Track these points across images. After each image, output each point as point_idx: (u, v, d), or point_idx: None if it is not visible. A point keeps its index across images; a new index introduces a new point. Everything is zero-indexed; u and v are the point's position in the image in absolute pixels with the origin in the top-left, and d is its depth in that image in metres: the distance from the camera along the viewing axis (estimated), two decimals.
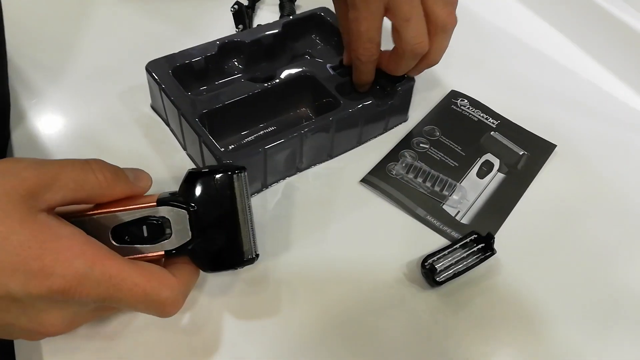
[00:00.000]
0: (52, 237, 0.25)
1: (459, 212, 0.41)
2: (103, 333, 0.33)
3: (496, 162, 0.44)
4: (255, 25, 0.55)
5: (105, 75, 0.50)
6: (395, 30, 0.39)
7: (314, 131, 0.40)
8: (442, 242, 0.39)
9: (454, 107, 0.48)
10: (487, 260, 0.38)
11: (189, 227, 0.29)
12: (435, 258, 0.37)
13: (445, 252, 0.37)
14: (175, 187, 0.31)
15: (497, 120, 0.48)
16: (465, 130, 0.47)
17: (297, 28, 0.49)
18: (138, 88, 0.47)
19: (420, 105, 0.49)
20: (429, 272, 0.36)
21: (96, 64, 0.51)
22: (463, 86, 0.51)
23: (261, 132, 0.44)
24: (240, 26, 0.54)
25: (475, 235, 0.38)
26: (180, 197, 0.29)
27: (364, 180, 0.42)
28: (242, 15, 0.54)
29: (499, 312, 0.36)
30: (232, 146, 0.42)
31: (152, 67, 0.43)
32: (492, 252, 0.38)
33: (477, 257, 0.37)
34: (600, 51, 0.56)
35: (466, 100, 0.49)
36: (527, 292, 0.37)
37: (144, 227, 0.29)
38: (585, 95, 0.53)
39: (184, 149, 0.44)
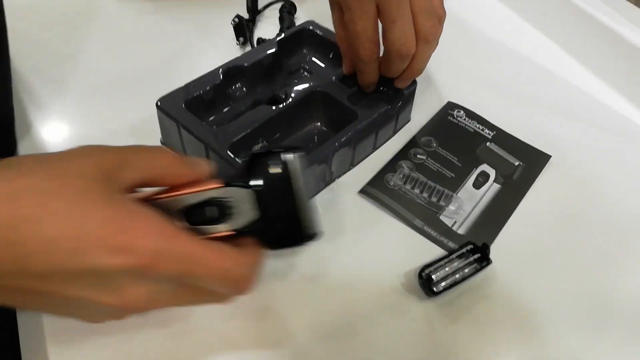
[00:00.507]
0: (131, 215, 0.26)
1: (455, 222, 0.42)
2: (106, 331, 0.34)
3: (492, 173, 0.45)
4: (255, 38, 0.56)
5: (109, 101, 0.50)
6: (382, 31, 0.40)
7: (342, 145, 0.42)
8: (439, 252, 0.40)
9: (451, 118, 0.49)
10: (483, 270, 0.38)
11: (255, 206, 0.30)
12: (432, 268, 0.38)
13: (442, 262, 0.38)
14: None
15: (492, 131, 0.49)
16: (461, 141, 0.47)
17: (289, 44, 0.50)
18: (147, 122, 0.46)
19: (418, 116, 0.50)
20: (426, 282, 0.37)
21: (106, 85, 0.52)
22: (459, 97, 0.52)
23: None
24: (241, 39, 0.55)
25: (472, 246, 0.39)
26: (245, 178, 0.30)
27: (363, 191, 0.43)
28: (243, 29, 0.55)
29: (495, 320, 0.37)
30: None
31: (164, 104, 0.43)
32: (488, 262, 0.38)
33: (473, 267, 0.38)
34: (593, 61, 0.57)
35: (462, 112, 0.50)
36: (523, 300, 0.38)
37: (213, 208, 0.29)
38: (579, 105, 0.54)
39: None
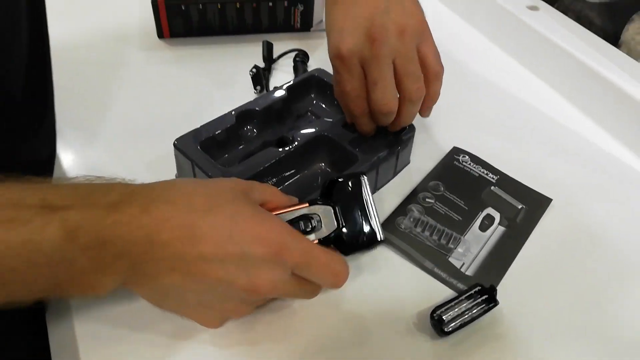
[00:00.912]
0: (266, 216, 0.35)
1: (463, 264, 0.44)
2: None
3: (497, 216, 0.48)
4: (271, 86, 0.59)
5: (134, 141, 0.53)
6: (367, 90, 0.45)
7: None
8: (448, 292, 0.43)
9: (456, 163, 0.52)
10: (491, 311, 0.41)
11: (334, 219, 0.39)
12: (443, 309, 0.40)
13: (452, 303, 0.41)
14: None
15: (496, 176, 0.52)
16: (467, 185, 0.50)
17: (298, 90, 0.53)
18: (163, 159, 0.49)
19: (425, 160, 0.53)
20: (438, 323, 0.39)
21: (126, 127, 0.55)
22: (464, 142, 0.55)
23: (289, 190, 0.47)
24: (258, 87, 0.59)
25: (479, 287, 0.41)
26: (325, 197, 0.40)
27: None
28: (260, 78, 0.59)
29: (504, 359, 0.39)
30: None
31: (181, 144, 0.46)
32: (495, 303, 0.41)
33: (481, 308, 0.41)
34: (592, 109, 0.61)
35: (467, 157, 0.53)
36: (529, 339, 0.40)
37: (302, 222, 0.38)
38: (579, 151, 0.57)
39: None
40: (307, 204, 0.38)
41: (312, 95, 0.55)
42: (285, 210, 0.38)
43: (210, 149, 0.46)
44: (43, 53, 0.45)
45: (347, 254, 0.39)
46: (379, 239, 0.40)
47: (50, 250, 0.28)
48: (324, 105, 0.55)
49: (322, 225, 0.38)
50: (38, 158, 0.48)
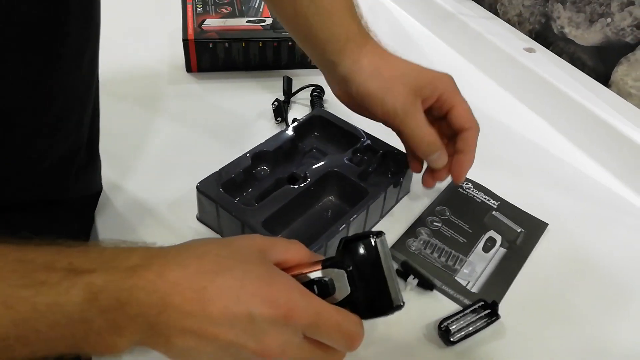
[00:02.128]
0: (277, 276, 0.34)
1: (469, 282, 0.49)
2: None
3: (498, 238, 0.53)
4: (290, 118, 0.65)
5: (158, 179, 0.57)
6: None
7: (356, 218, 0.49)
8: (455, 307, 0.47)
9: (461, 190, 0.57)
10: (493, 324, 0.45)
11: (347, 284, 0.36)
12: (449, 321, 0.45)
13: (458, 316, 0.45)
14: None
15: (497, 202, 0.57)
16: (471, 210, 0.55)
17: (303, 129, 0.58)
18: (185, 197, 0.52)
19: (433, 188, 0.58)
20: (445, 333, 0.44)
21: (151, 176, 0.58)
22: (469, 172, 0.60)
23: (304, 223, 0.52)
24: (279, 119, 0.64)
25: (483, 303, 0.46)
26: (338, 261, 0.36)
27: None
28: (281, 110, 0.64)
29: None
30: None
31: (204, 187, 0.49)
32: (497, 317, 0.45)
33: (484, 321, 0.45)
34: (585, 143, 0.66)
35: (471, 184, 0.58)
36: (528, 350, 0.45)
37: (315, 286, 0.36)
38: (572, 180, 0.62)
39: None
40: (320, 267, 0.36)
41: (316, 133, 0.60)
42: (299, 272, 0.36)
43: (230, 190, 0.50)
44: (96, 97, 0.49)
45: (362, 319, 0.36)
46: (398, 304, 0.36)
47: (72, 311, 0.29)
48: (326, 142, 0.59)
49: (336, 290, 0.36)
50: (86, 194, 0.51)
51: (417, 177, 0.56)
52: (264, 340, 0.32)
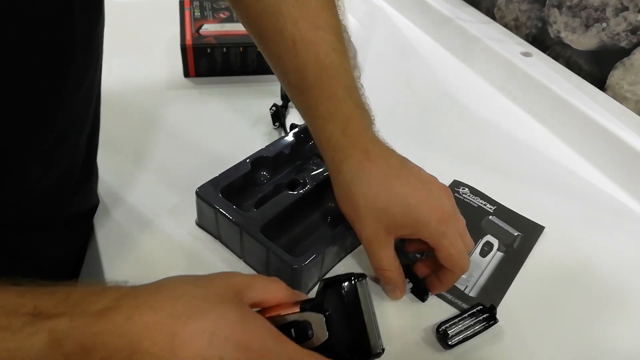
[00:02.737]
0: (252, 320, 0.33)
1: (467, 287, 0.49)
2: None
3: (495, 243, 0.53)
4: (288, 123, 0.65)
5: (158, 193, 0.56)
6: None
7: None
8: (453, 311, 0.47)
9: (457, 195, 0.58)
10: (491, 328, 0.45)
11: (325, 328, 0.34)
12: (447, 325, 0.45)
13: (456, 320, 0.45)
14: None
15: (493, 206, 0.57)
16: (467, 215, 0.55)
17: (304, 135, 0.58)
18: (184, 202, 0.52)
19: None
20: (443, 337, 0.44)
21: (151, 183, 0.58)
22: (464, 176, 0.60)
23: (303, 229, 0.52)
24: (277, 124, 0.64)
25: (481, 307, 0.46)
26: (317, 304, 0.35)
27: None
28: (278, 115, 0.64)
29: None
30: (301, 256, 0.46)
31: (203, 192, 0.49)
32: (495, 321, 0.46)
33: (482, 325, 0.45)
34: (581, 146, 0.67)
35: (467, 189, 0.58)
36: (525, 354, 0.45)
37: (292, 329, 0.35)
38: (568, 183, 0.62)
39: (241, 257, 0.50)
40: (298, 310, 0.35)
41: None
42: (277, 314, 0.35)
43: (229, 195, 0.49)
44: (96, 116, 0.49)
45: None
46: (377, 352, 0.35)
47: (34, 357, 0.28)
48: None
49: (314, 334, 0.35)
50: (82, 210, 0.51)
51: None
52: None
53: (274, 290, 0.36)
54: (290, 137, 0.57)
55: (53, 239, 0.49)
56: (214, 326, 0.31)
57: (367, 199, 0.44)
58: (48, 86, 0.38)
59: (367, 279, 0.36)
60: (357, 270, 0.50)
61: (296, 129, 0.58)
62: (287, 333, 0.34)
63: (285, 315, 0.35)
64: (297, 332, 0.35)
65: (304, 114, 0.49)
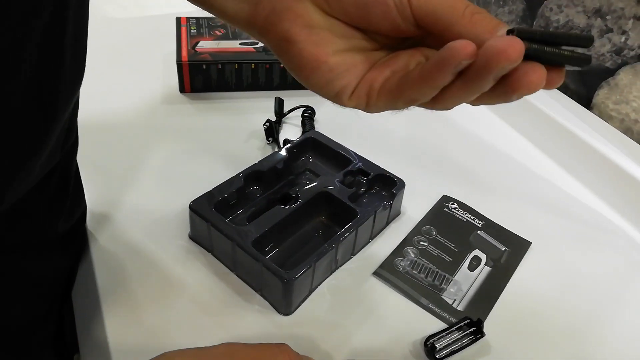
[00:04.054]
0: None
1: (455, 300, 0.50)
2: None
3: (483, 257, 0.54)
4: (281, 138, 0.66)
5: (153, 205, 0.57)
6: None
7: (345, 238, 0.50)
8: (441, 325, 0.48)
9: (446, 210, 0.59)
10: (478, 341, 0.46)
11: None
12: (435, 339, 0.46)
13: (444, 333, 0.46)
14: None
15: (482, 221, 0.58)
16: (456, 229, 0.57)
17: (296, 151, 0.59)
18: (178, 216, 0.54)
19: (418, 208, 0.59)
20: (431, 350, 0.45)
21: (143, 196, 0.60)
22: (453, 191, 0.62)
23: (295, 243, 0.53)
24: (270, 139, 0.65)
25: (468, 320, 0.47)
26: None
27: (376, 273, 0.52)
28: (272, 130, 0.66)
29: None
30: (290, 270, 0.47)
31: (196, 206, 0.50)
32: (482, 334, 0.46)
33: (470, 339, 0.46)
34: (567, 163, 0.68)
35: (456, 204, 0.60)
36: None
37: None
38: (555, 199, 0.64)
39: (233, 270, 0.50)
40: None
41: (309, 155, 0.61)
42: None
43: (222, 209, 0.51)
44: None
45: None
46: None
47: None
48: (319, 163, 0.60)
49: None
50: (68, 229, 0.50)
51: (407, 200, 0.58)
52: None
53: None
54: (283, 152, 0.58)
55: (43, 260, 0.48)
56: None
57: None
58: (44, 100, 0.36)
59: None
60: (347, 282, 0.51)
61: (289, 145, 0.59)
62: None
63: None
64: None
65: None
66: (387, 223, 0.57)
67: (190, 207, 0.51)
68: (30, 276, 0.47)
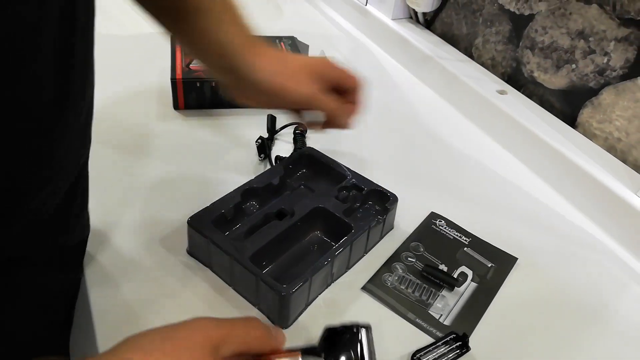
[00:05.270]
0: None
1: (441, 315, 0.51)
2: None
3: (469, 273, 0.55)
4: (273, 155, 0.67)
5: (150, 220, 0.59)
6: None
7: (340, 252, 0.51)
8: (428, 339, 0.49)
9: (434, 227, 0.60)
10: (463, 356, 0.47)
11: None
12: (422, 353, 0.47)
13: (430, 348, 0.47)
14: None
15: (468, 238, 0.59)
16: (443, 246, 0.58)
17: (293, 167, 0.61)
18: (176, 232, 0.55)
19: (407, 222, 0.60)
20: None
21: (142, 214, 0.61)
22: (441, 208, 0.63)
23: (291, 257, 0.54)
24: (262, 155, 0.67)
25: (454, 335, 0.48)
26: (320, 350, 0.35)
27: (365, 288, 0.53)
28: (264, 147, 0.67)
29: None
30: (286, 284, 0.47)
31: (194, 222, 0.51)
32: (468, 349, 0.47)
33: (455, 353, 0.47)
34: (553, 180, 0.70)
35: (443, 221, 0.61)
36: None
37: None
38: (541, 216, 0.65)
39: (230, 285, 0.51)
40: (298, 354, 0.35)
41: (304, 171, 0.62)
42: (275, 357, 0.35)
43: (220, 224, 0.52)
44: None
45: None
46: None
47: None
48: (314, 179, 0.62)
49: None
50: (71, 244, 0.51)
51: (400, 213, 0.59)
52: None
53: (253, 340, 0.35)
54: (279, 169, 0.59)
55: (48, 273, 0.49)
56: None
57: (291, 64, 0.53)
58: (51, 109, 0.38)
59: (371, 330, 0.37)
60: (342, 295, 0.52)
61: (285, 162, 0.60)
62: None
63: (283, 358, 0.35)
64: None
65: (203, 39, 0.51)
66: (381, 237, 0.58)
67: (188, 222, 0.51)
68: (34, 292, 0.48)
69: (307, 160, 0.62)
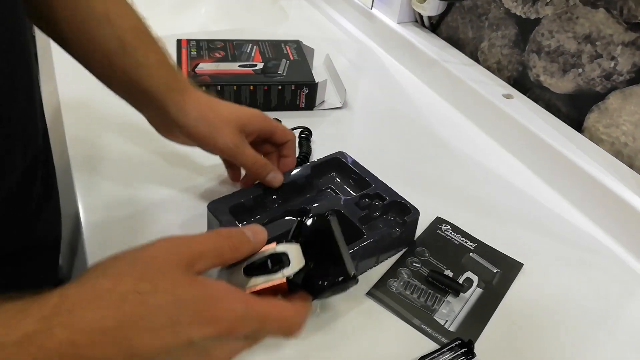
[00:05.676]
0: (212, 291, 0.32)
1: (447, 321, 0.51)
2: None
3: (475, 279, 0.55)
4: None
5: (169, 206, 0.60)
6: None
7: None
8: (433, 345, 0.49)
9: (439, 232, 0.60)
10: None
11: (302, 256, 0.37)
12: (427, 359, 0.46)
13: (436, 354, 0.47)
14: None
15: (474, 243, 0.59)
16: (449, 251, 0.58)
17: (321, 169, 0.61)
18: (196, 218, 0.57)
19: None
20: None
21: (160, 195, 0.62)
22: (446, 213, 0.63)
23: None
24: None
25: (459, 341, 0.48)
26: (293, 236, 0.39)
27: (369, 294, 0.52)
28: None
29: None
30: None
31: (213, 207, 0.53)
32: (473, 355, 0.47)
33: None
34: (559, 185, 0.69)
35: (449, 226, 0.61)
36: None
37: (269, 261, 0.37)
38: (547, 222, 0.65)
39: None
40: (275, 243, 0.38)
41: (333, 174, 0.63)
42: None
43: (239, 214, 0.53)
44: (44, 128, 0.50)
45: (317, 295, 0.38)
46: (350, 275, 0.38)
47: None
48: (342, 183, 0.62)
49: (290, 263, 0.37)
50: (44, 243, 0.51)
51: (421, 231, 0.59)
52: (211, 355, 0.32)
53: (227, 251, 0.35)
54: (306, 170, 0.59)
55: (19, 274, 0.48)
56: (174, 316, 0.30)
57: (216, 112, 0.53)
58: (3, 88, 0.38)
59: (336, 216, 0.41)
60: (343, 300, 0.52)
61: (313, 163, 0.61)
62: (263, 267, 0.37)
63: (262, 250, 0.37)
64: (274, 263, 0.37)
65: (127, 75, 0.51)
66: (397, 250, 0.57)
67: (208, 207, 0.53)
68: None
69: (337, 164, 0.63)
